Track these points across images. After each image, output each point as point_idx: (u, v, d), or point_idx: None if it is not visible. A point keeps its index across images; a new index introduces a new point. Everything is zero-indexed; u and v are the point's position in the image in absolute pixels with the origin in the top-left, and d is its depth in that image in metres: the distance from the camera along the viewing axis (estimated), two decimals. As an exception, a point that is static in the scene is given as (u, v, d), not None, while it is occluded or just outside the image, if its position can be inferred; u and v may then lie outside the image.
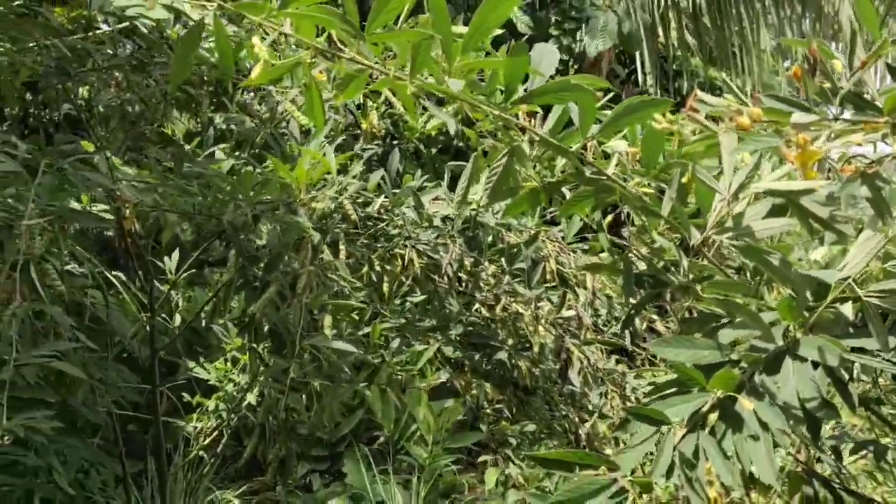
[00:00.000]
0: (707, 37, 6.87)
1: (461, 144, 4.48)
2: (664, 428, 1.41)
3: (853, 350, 1.38)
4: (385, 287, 2.66)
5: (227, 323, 3.62)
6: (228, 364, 3.81)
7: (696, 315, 1.71)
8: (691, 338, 1.45)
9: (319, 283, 2.39)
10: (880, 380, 1.87)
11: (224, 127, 3.23)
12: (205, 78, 2.94)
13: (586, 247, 3.11)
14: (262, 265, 2.43)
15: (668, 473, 1.34)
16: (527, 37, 6.53)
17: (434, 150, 4.29)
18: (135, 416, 3.26)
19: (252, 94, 3.19)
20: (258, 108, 3.11)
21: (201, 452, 3.70)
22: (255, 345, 2.63)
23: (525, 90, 1.48)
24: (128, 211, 2.54)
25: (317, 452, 3.88)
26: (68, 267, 2.55)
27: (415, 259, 2.61)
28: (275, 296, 2.36)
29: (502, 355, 2.94)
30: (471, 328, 2.96)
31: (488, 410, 3.49)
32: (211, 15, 1.26)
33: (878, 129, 1.18)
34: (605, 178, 1.54)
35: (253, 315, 2.41)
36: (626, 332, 3.00)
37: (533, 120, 1.64)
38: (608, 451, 3.10)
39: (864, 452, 2.00)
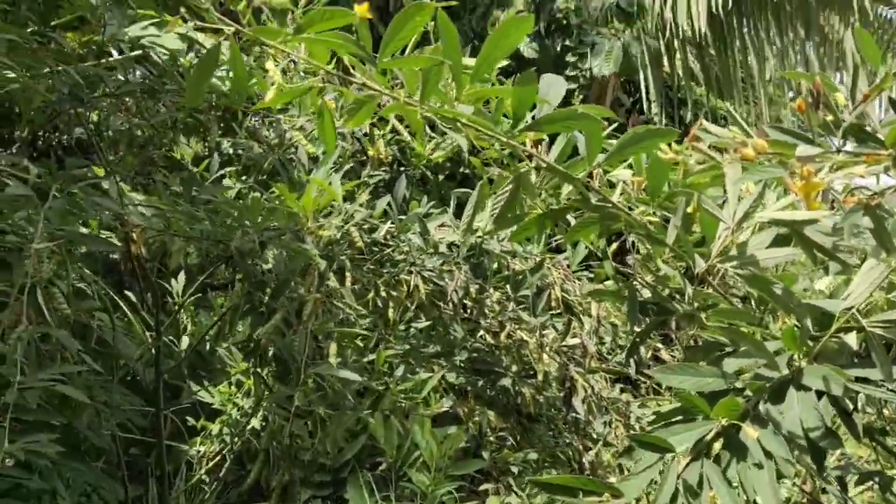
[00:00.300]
0: (712, 63, 6.93)
1: (467, 171, 4.51)
2: (668, 455, 1.41)
3: (857, 380, 1.38)
4: (390, 313, 2.66)
5: (230, 347, 3.62)
6: (233, 388, 3.80)
7: (700, 344, 1.71)
8: (696, 365, 1.45)
9: (325, 309, 2.40)
10: (885, 410, 1.87)
11: (231, 152, 3.26)
12: (213, 104, 2.98)
13: (591, 274, 3.12)
14: (268, 290, 2.45)
15: (672, 501, 1.34)
16: (535, 68, 6.57)
17: (440, 177, 4.32)
18: (138, 440, 3.25)
19: (260, 119, 3.22)
20: (266, 134, 3.14)
21: (203, 477, 3.68)
22: (259, 370, 2.63)
23: (532, 118, 1.50)
24: (135, 235, 2.57)
25: (319, 478, 3.85)
26: (77, 286, 2.56)
27: (420, 285, 2.62)
28: (280, 322, 2.37)
29: (506, 382, 2.94)
30: (475, 354, 2.96)
31: (491, 438, 3.48)
32: (226, 42, 1.28)
33: (881, 161, 1.20)
34: (610, 205, 1.55)
35: (259, 341, 2.42)
36: (631, 360, 3.00)
37: (539, 147, 1.66)
38: (612, 479, 3.08)
39: (869, 483, 1.99)
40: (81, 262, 2.72)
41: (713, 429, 1.39)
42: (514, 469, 3.57)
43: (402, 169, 3.85)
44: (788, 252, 1.40)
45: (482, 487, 3.62)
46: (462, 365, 3.00)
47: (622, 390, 3.31)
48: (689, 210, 1.44)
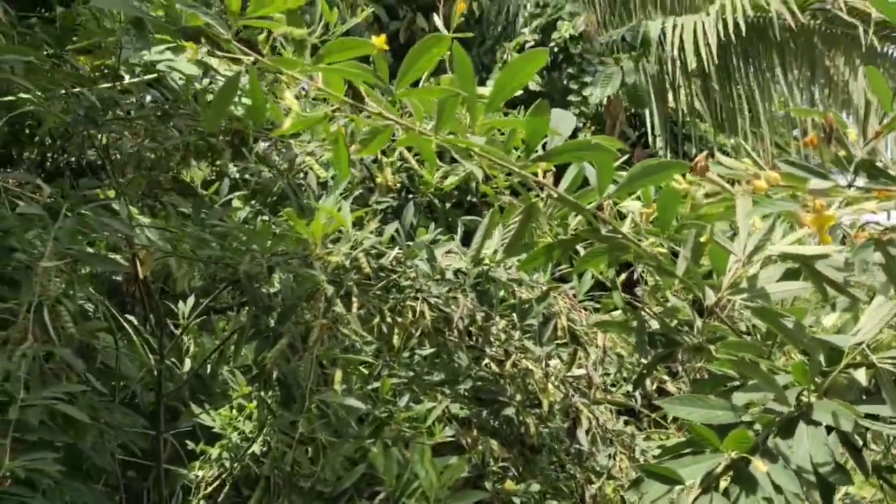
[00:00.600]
0: (717, 98, 6.99)
1: (474, 199, 4.52)
2: (675, 490, 1.41)
3: (866, 416, 1.38)
4: (395, 339, 2.66)
5: (233, 370, 3.61)
6: (234, 411, 3.78)
7: (707, 377, 1.71)
8: (704, 397, 1.45)
9: (331, 335, 2.40)
10: (893, 448, 1.86)
11: (238, 176, 3.28)
12: (223, 127, 3.01)
13: (597, 304, 3.11)
14: (274, 315, 2.44)
15: (682, 535, 1.33)
16: (541, 98, 6.64)
17: (447, 205, 4.34)
18: (135, 462, 3.23)
19: (271, 144, 3.24)
20: (276, 159, 3.16)
21: (201, 502, 3.64)
22: (262, 394, 2.62)
23: (543, 147, 1.51)
24: (142, 256, 2.57)
25: (317, 506, 3.82)
26: (83, 306, 2.56)
27: (426, 311, 2.61)
28: (286, 347, 2.37)
29: (510, 411, 2.92)
30: (479, 383, 2.95)
31: (494, 468, 3.45)
32: (245, 69, 1.30)
33: (892, 197, 1.21)
34: (620, 236, 1.56)
35: (263, 365, 2.41)
36: (637, 391, 2.98)
37: (545, 177, 1.67)
38: (614, 513, 3.05)
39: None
40: (86, 282, 2.72)
41: (722, 462, 1.39)
42: (517, 501, 3.53)
43: (409, 196, 3.87)
44: (799, 286, 1.40)
45: (483, 518, 3.58)
46: (466, 393, 2.99)
47: (626, 423, 3.28)
48: (702, 241, 1.44)
